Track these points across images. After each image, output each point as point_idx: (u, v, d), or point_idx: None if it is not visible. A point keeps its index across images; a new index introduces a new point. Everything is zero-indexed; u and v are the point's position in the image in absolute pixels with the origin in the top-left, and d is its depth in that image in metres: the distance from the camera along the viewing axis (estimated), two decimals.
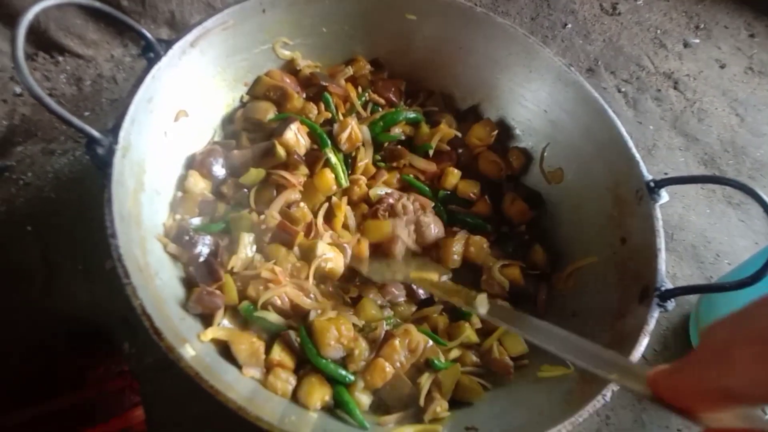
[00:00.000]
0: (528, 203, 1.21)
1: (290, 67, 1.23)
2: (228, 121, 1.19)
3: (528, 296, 1.14)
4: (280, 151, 1.09)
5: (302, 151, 1.13)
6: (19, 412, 1.05)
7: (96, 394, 1.10)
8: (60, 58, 1.48)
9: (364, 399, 0.97)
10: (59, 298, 1.17)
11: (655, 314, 0.92)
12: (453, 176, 1.22)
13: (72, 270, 1.19)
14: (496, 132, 1.26)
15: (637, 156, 1.06)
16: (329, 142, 1.14)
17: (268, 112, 1.16)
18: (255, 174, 1.08)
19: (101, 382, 1.11)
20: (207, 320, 0.95)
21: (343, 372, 0.97)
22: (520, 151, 1.28)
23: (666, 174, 1.70)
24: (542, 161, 1.23)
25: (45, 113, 1.35)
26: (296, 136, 1.12)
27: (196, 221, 1.04)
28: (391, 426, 0.95)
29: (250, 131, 1.16)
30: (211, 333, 0.92)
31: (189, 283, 0.97)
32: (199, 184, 1.06)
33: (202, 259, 0.98)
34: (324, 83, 1.20)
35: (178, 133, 1.05)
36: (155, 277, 0.88)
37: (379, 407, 0.99)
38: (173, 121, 1.03)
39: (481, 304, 0.90)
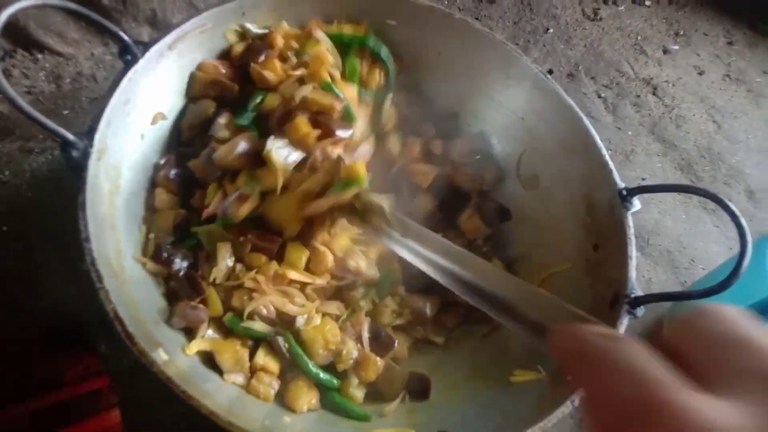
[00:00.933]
0: (497, 217, 1.23)
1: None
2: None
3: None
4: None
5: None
6: None
7: (72, 395, 1.09)
8: (39, 56, 1.47)
9: (359, 393, 1.01)
10: (37, 298, 1.17)
11: (625, 321, 0.93)
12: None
13: (50, 270, 1.19)
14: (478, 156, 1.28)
15: (611, 164, 1.07)
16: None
17: (209, 111, 1.10)
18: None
19: (78, 382, 1.11)
20: (190, 332, 0.96)
21: (334, 380, 0.99)
22: (495, 168, 1.28)
23: (643, 179, 1.72)
24: (519, 168, 1.25)
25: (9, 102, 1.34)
26: (226, 129, 1.06)
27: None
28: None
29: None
30: (195, 346, 0.93)
31: (170, 296, 0.98)
32: (166, 201, 1.05)
33: (182, 273, 0.98)
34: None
35: (156, 136, 1.05)
36: (129, 281, 0.88)
37: (375, 397, 1.03)
38: (150, 124, 1.03)
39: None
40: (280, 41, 1.11)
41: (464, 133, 1.30)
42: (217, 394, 0.87)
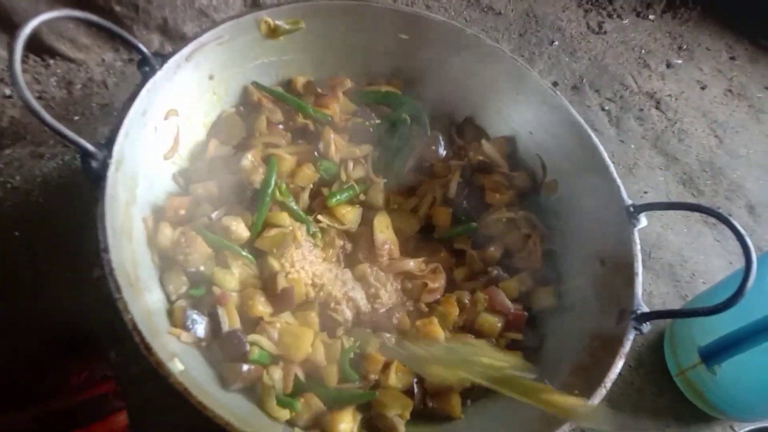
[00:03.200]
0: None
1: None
2: None
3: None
4: None
5: (258, 178, 1.10)
6: (2, 418, 1.06)
7: (79, 399, 1.10)
8: (51, 61, 1.48)
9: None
10: (46, 304, 1.17)
11: (631, 337, 0.95)
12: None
13: (59, 276, 1.19)
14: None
15: (618, 181, 1.09)
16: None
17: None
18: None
19: (85, 386, 1.12)
20: None
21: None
22: (525, 172, 1.27)
23: (646, 192, 1.74)
24: (544, 171, 1.25)
25: (34, 117, 1.35)
26: (252, 165, 1.10)
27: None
28: None
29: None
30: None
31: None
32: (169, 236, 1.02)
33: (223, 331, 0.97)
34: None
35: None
36: (145, 290, 0.89)
37: None
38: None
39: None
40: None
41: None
42: (231, 403, 0.88)
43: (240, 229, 1.03)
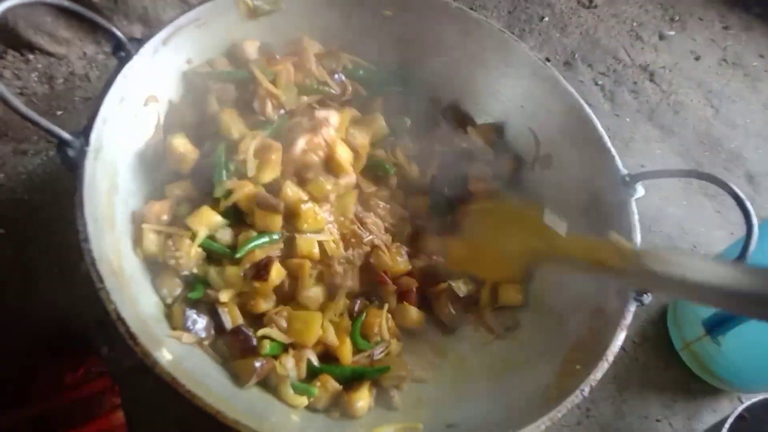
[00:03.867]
0: None
1: None
2: None
3: None
4: None
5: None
6: None
7: (75, 397, 1.09)
8: (30, 56, 1.45)
9: None
10: (35, 301, 1.16)
11: (632, 308, 0.93)
12: None
13: (48, 273, 1.18)
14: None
15: (613, 151, 1.07)
16: None
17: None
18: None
19: (80, 385, 1.10)
20: None
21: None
22: (511, 158, 1.25)
23: (643, 166, 1.71)
24: (537, 146, 1.22)
25: (16, 114, 1.33)
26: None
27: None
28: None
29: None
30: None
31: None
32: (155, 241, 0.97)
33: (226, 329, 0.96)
34: None
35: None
36: (130, 280, 0.87)
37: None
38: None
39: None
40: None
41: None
42: (222, 391, 0.86)
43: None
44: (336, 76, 1.18)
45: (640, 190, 1.03)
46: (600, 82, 1.90)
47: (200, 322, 0.94)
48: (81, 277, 1.15)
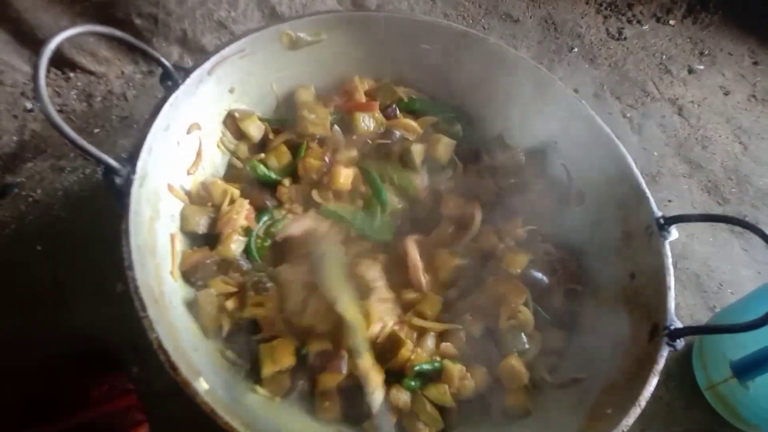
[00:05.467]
0: None
1: None
2: None
3: None
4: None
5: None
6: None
7: (99, 413, 1.10)
8: (71, 74, 1.49)
9: None
10: (68, 318, 1.17)
11: (665, 353, 0.92)
12: None
13: (81, 291, 1.19)
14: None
15: (647, 192, 1.07)
16: None
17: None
18: None
19: (105, 400, 1.11)
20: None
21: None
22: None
23: (670, 201, 1.71)
24: (570, 183, 1.22)
25: (55, 130, 1.36)
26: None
27: None
28: None
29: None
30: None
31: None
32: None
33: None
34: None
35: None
36: (170, 306, 0.88)
37: None
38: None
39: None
40: None
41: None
42: (255, 422, 0.86)
43: None
44: (390, 109, 1.22)
45: (674, 233, 1.03)
46: (628, 115, 1.90)
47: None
48: (114, 295, 1.18)
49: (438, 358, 1.04)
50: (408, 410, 1.00)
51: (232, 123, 1.14)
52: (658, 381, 1.36)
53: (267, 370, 0.94)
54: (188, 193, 1.06)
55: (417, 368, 1.01)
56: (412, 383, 1.00)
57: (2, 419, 1.07)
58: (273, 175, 1.14)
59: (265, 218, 1.08)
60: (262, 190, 1.13)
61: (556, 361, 1.08)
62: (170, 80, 0.95)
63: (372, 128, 1.21)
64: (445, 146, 1.21)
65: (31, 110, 1.41)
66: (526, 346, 1.07)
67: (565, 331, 1.11)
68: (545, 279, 1.12)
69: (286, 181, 1.14)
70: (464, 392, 1.02)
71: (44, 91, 0.76)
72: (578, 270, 1.15)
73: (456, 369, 1.02)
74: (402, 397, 0.99)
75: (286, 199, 1.13)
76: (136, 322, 0.78)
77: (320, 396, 0.98)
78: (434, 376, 1.03)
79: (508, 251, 1.14)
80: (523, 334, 1.08)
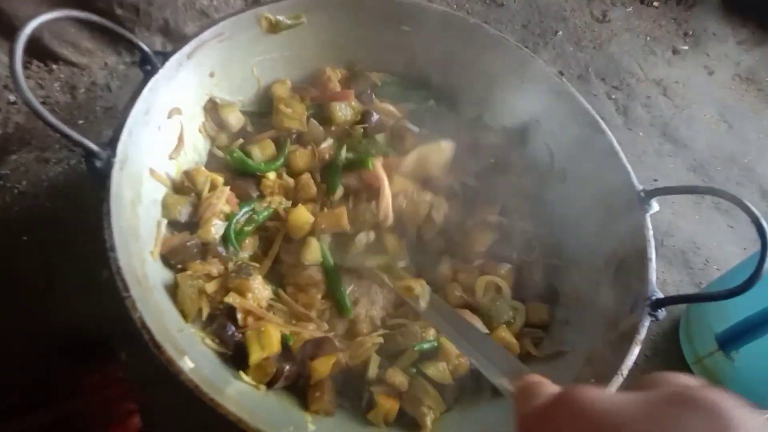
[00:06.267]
0: None
1: None
2: None
3: None
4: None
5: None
6: (15, 421, 1.06)
7: (91, 402, 1.10)
8: (54, 66, 1.48)
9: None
10: (57, 307, 1.17)
11: (647, 323, 0.93)
12: None
13: (69, 279, 1.19)
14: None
15: (628, 166, 1.08)
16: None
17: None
18: None
19: (97, 389, 1.12)
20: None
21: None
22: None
23: (656, 180, 1.72)
24: (552, 160, 1.23)
25: (39, 122, 1.34)
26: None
27: None
28: None
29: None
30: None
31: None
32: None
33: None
34: None
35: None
36: (153, 288, 0.88)
37: None
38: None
39: (423, 298, 1.02)
40: None
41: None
42: (241, 399, 0.87)
43: None
44: (365, 95, 1.23)
45: (654, 206, 1.04)
46: (613, 96, 1.91)
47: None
48: (102, 284, 1.18)
49: (433, 336, 1.05)
50: (410, 395, 1.00)
51: (213, 110, 1.14)
52: (646, 357, 1.40)
53: (255, 356, 0.92)
54: (172, 181, 1.06)
55: (417, 347, 1.02)
56: (413, 370, 1.01)
57: None
58: (258, 166, 1.13)
59: (246, 208, 1.08)
60: (245, 180, 1.12)
61: (541, 335, 1.09)
62: (149, 65, 0.95)
63: (349, 117, 1.21)
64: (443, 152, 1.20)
65: (14, 103, 1.41)
66: (511, 313, 1.09)
67: (549, 304, 1.12)
68: (514, 254, 1.16)
69: (271, 175, 1.13)
70: (461, 369, 1.03)
71: (21, 76, 0.76)
72: (559, 245, 1.16)
73: (452, 346, 1.03)
74: (398, 377, 0.99)
75: (270, 193, 1.12)
76: (123, 308, 0.79)
77: (313, 387, 0.98)
78: (431, 355, 1.04)
79: (473, 230, 1.17)
80: (505, 303, 1.10)
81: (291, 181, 1.14)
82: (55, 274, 1.20)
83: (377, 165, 1.12)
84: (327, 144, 1.16)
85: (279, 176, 1.14)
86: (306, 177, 1.14)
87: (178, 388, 0.76)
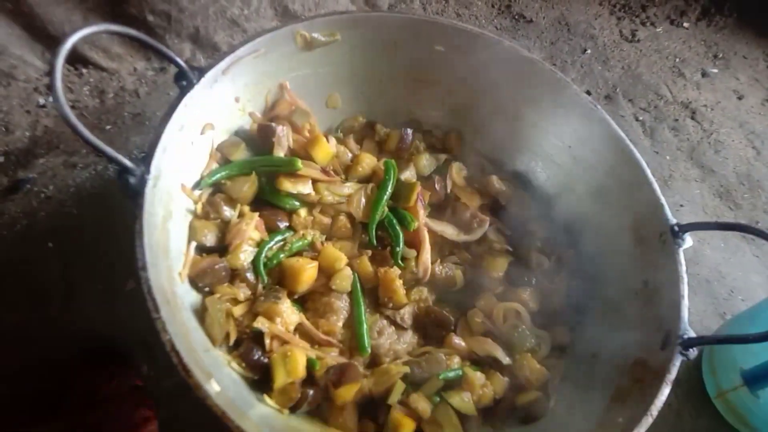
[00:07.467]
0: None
1: None
2: None
3: None
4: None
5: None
6: (31, 428, 1.06)
7: (108, 409, 1.10)
8: (84, 70, 1.49)
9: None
10: (77, 315, 1.18)
11: (677, 363, 0.91)
12: None
13: (91, 288, 1.20)
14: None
15: (662, 199, 1.06)
16: None
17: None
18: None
19: (114, 397, 1.11)
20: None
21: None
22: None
23: (682, 206, 1.70)
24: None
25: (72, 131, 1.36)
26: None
27: None
28: None
29: None
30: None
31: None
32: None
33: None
34: None
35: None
36: (182, 308, 0.88)
37: None
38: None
39: None
40: None
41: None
42: (264, 422, 0.86)
43: None
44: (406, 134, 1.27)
45: (688, 241, 1.02)
46: (641, 118, 1.89)
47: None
48: (124, 293, 1.18)
49: (458, 365, 1.05)
50: (432, 419, 0.99)
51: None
52: None
53: (280, 380, 0.92)
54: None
55: (441, 376, 1.01)
56: (437, 398, 1.01)
57: (13, 415, 1.07)
58: (293, 202, 1.11)
59: (278, 237, 1.06)
60: (272, 211, 1.10)
61: (565, 363, 1.10)
62: (185, 80, 0.94)
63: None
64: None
65: (43, 106, 1.41)
66: (534, 341, 1.09)
67: (571, 331, 1.14)
68: (532, 279, 1.18)
69: (302, 212, 1.11)
70: (484, 400, 1.02)
71: (61, 93, 0.76)
72: (587, 273, 1.16)
73: (476, 376, 1.02)
74: (422, 403, 0.98)
75: (301, 228, 1.11)
76: (146, 320, 0.78)
77: (337, 410, 0.97)
78: (455, 384, 1.03)
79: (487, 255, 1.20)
80: (526, 330, 1.10)
81: (326, 219, 1.13)
82: (77, 282, 1.20)
83: (420, 225, 1.13)
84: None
85: (309, 212, 1.13)
86: (343, 218, 1.14)
87: (198, 403, 0.75)
